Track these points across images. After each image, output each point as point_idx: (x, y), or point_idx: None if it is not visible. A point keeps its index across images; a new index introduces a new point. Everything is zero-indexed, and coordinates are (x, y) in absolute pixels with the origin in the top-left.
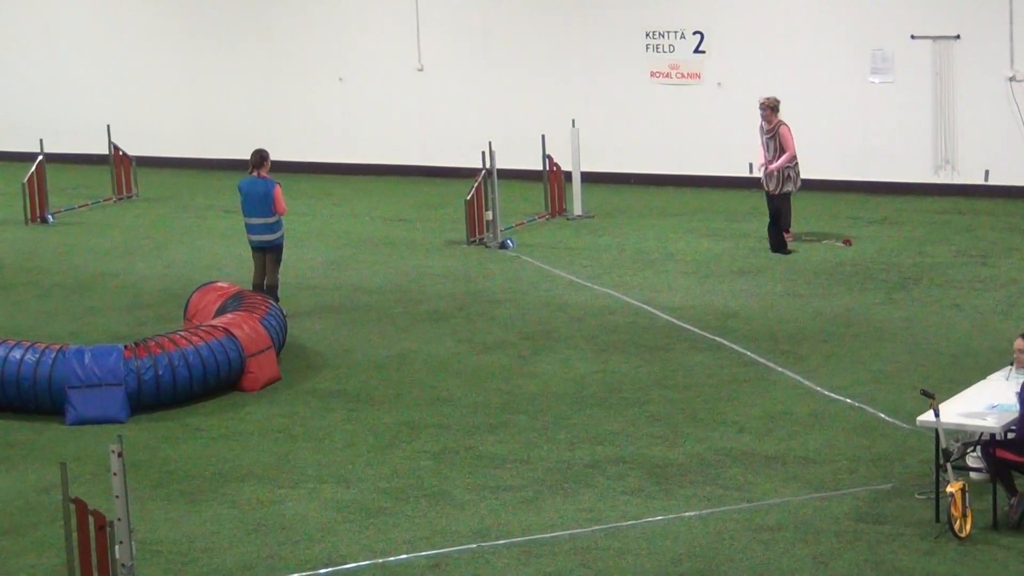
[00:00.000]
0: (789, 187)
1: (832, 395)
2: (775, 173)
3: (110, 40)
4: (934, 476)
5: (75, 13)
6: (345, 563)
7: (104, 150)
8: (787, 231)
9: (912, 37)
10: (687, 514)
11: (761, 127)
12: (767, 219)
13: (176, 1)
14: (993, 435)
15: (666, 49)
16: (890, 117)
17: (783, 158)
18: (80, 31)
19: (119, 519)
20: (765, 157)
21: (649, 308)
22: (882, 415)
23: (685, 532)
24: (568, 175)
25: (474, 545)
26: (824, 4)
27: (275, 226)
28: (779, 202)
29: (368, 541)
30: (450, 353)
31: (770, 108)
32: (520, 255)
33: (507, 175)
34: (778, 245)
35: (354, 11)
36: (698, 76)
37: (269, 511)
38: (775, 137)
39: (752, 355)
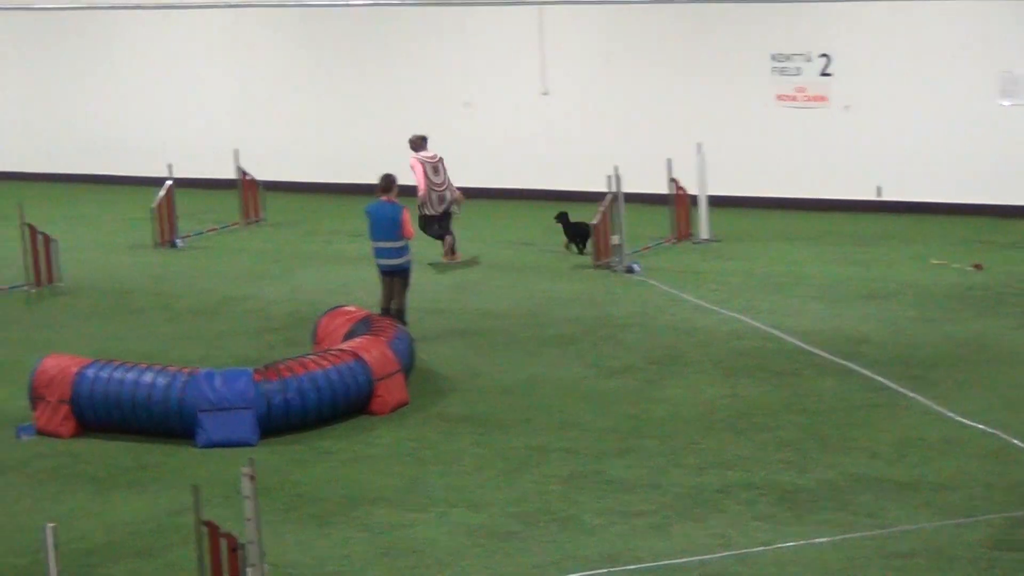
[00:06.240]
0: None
1: (965, 421)
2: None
3: (238, 65)
4: None
5: (203, 39)
6: None
7: (232, 175)
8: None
9: None
10: (818, 540)
11: (431, 163)
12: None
13: (303, 26)
14: None
15: (792, 72)
16: (1021, 140)
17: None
18: (208, 56)
19: (251, 542)
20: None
21: (778, 332)
22: (1016, 441)
23: (817, 559)
24: (694, 199)
25: (604, 570)
26: (952, 26)
27: (402, 250)
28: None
29: (498, 566)
30: (578, 377)
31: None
32: (646, 279)
33: (633, 199)
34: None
35: (480, 37)
36: (824, 99)
37: (399, 535)
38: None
39: (883, 380)
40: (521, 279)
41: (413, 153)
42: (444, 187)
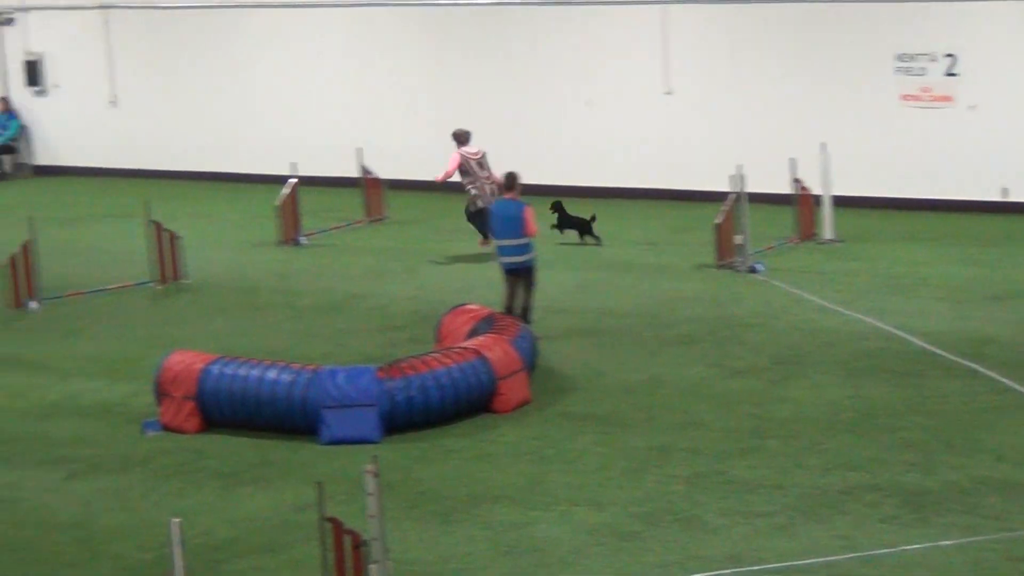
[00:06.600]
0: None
1: None
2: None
3: (361, 64)
4: None
5: (327, 37)
6: None
7: (356, 173)
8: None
9: None
10: (944, 543)
11: (475, 158)
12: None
13: (427, 25)
14: None
15: (917, 72)
16: None
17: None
18: (332, 55)
19: (374, 539)
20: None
21: (902, 333)
22: None
23: (943, 561)
24: (818, 199)
25: (728, 571)
26: None
27: (526, 247)
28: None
29: (621, 565)
30: (700, 377)
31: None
32: (770, 279)
33: (756, 199)
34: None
35: (602, 35)
36: (950, 99)
37: (521, 533)
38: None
39: (1008, 382)
40: (643, 279)
41: (456, 147)
42: (491, 181)
